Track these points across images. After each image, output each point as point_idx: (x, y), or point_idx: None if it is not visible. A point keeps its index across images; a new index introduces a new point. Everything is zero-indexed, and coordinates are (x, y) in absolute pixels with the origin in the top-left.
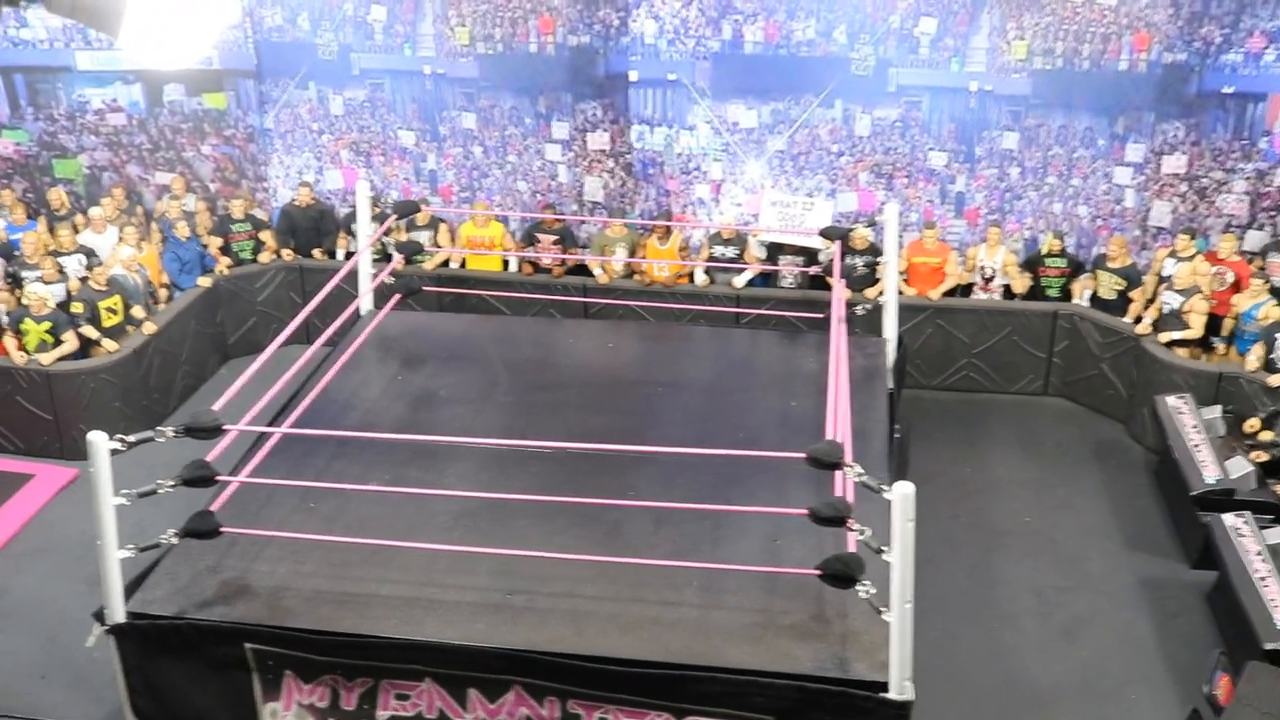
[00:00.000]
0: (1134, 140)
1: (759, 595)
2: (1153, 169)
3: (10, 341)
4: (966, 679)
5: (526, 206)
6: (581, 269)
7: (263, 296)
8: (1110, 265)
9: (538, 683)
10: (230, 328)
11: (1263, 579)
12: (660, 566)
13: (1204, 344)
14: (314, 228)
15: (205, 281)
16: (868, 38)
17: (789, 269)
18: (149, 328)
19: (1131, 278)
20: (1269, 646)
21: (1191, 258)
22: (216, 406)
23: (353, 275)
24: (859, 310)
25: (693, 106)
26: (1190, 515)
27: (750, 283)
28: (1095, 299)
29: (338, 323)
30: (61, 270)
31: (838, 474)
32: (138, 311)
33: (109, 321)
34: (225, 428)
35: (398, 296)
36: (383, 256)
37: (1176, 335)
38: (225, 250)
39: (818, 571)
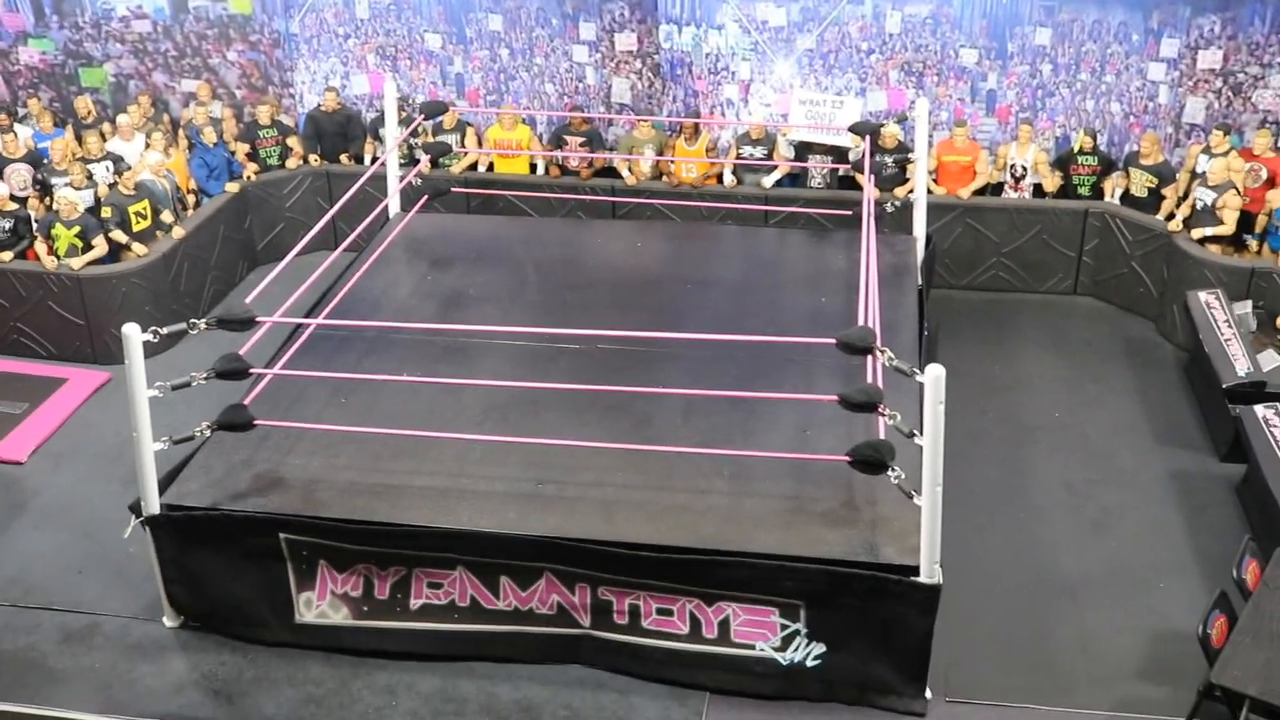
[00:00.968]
0: (1169, 35)
1: (789, 483)
2: (1187, 64)
3: (41, 247)
4: (996, 570)
5: (554, 108)
6: (609, 171)
7: (290, 202)
8: (1142, 162)
9: (568, 569)
10: (259, 233)
11: None
12: (690, 455)
13: (1236, 241)
14: (340, 133)
15: (233, 187)
16: None
17: (818, 167)
18: (178, 232)
19: (1164, 175)
20: None
21: (1226, 154)
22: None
23: (380, 178)
24: (888, 208)
25: (721, 5)
26: (1220, 409)
27: (779, 182)
28: (1127, 197)
29: (366, 222)
30: (90, 176)
31: (868, 360)
32: (166, 216)
33: (138, 226)
34: (258, 320)
35: (425, 198)
36: (410, 160)
37: (1209, 231)
38: (252, 156)
39: (848, 458)
